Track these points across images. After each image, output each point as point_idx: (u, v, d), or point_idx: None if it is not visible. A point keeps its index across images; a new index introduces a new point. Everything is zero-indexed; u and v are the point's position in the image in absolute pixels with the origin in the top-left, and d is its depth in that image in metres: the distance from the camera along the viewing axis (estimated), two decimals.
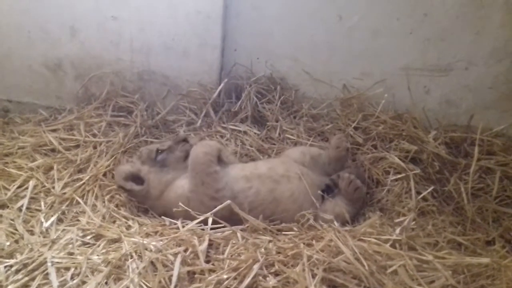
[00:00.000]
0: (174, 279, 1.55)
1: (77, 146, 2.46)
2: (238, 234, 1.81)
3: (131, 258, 1.68)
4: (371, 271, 1.53)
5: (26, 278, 1.62)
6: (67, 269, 1.65)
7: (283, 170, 2.11)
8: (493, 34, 2.67)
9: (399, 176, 2.31)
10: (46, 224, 1.92)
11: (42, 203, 2.05)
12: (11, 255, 1.72)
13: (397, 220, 1.94)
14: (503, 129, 2.78)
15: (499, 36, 2.67)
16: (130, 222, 1.97)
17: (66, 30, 2.67)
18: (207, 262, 1.68)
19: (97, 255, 1.72)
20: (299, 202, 2.03)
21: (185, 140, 2.21)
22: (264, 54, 2.84)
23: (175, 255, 1.65)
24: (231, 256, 1.69)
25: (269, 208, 2.02)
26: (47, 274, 1.63)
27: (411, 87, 2.82)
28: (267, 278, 1.59)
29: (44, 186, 2.16)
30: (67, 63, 2.75)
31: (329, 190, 2.20)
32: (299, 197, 2.04)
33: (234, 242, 1.76)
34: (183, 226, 1.85)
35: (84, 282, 1.60)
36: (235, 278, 1.57)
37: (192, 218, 1.87)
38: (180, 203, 1.86)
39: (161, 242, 1.74)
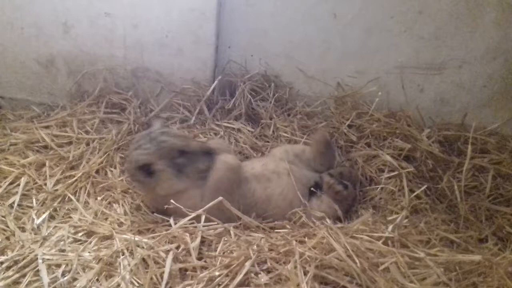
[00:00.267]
0: (165, 276, 1.54)
1: (70, 143, 2.44)
2: (231, 231, 1.80)
3: (122, 255, 1.67)
4: (363, 268, 1.53)
5: (17, 275, 1.60)
6: (58, 266, 1.64)
7: (274, 166, 2.11)
8: (487, 32, 2.68)
9: (392, 174, 2.31)
10: (37, 221, 1.91)
11: (34, 200, 2.04)
12: (1, 252, 1.71)
13: (389, 218, 1.93)
14: (496, 128, 2.80)
15: (494, 34, 2.68)
16: (122, 219, 1.96)
17: (59, 27, 2.65)
18: (199, 259, 1.67)
19: (89, 252, 1.71)
20: (289, 199, 2.03)
21: (211, 152, 2.01)
22: (258, 52, 2.83)
23: (167, 252, 1.64)
24: (223, 253, 1.68)
25: (262, 207, 2.02)
26: (37, 271, 1.62)
27: (405, 86, 2.83)
28: (259, 275, 1.58)
29: (36, 183, 2.14)
30: (60, 60, 2.74)
31: (318, 187, 2.18)
32: (288, 193, 2.03)
33: (226, 239, 1.75)
34: (175, 223, 1.84)
35: (75, 279, 1.59)
36: (227, 275, 1.56)
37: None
38: (172, 200, 1.84)
39: (153, 239, 1.73)
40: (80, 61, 2.74)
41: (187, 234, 1.74)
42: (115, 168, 2.34)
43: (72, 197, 2.07)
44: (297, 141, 2.58)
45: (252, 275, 1.58)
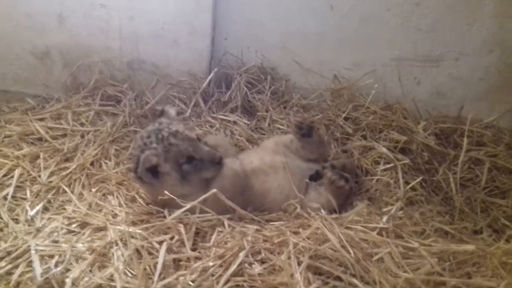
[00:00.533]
0: (159, 266, 1.54)
1: (65, 135, 2.43)
2: (225, 223, 1.79)
3: (116, 246, 1.66)
4: (357, 258, 1.52)
5: (10, 266, 1.59)
6: (51, 257, 1.63)
7: (270, 160, 2.10)
8: (484, 25, 2.67)
9: (388, 166, 2.31)
10: (31, 213, 1.90)
11: (28, 192, 2.03)
12: None
13: (384, 209, 1.93)
14: (493, 121, 2.80)
15: (491, 26, 2.67)
16: (116, 211, 1.95)
17: (54, 18, 2.64)
18: (194, 250, 1.66)
19: (82, 243, 1.70)
20: (286, 192, 2.02)
21: (219, 162, 1.94)
22: (255, 43, 2.82)
23: (161, 242, 1.64)
24: (218, 244, 1.68)
25: (259, 201, 2.01)
26: (30, 261, 1.61)
27: (402, 78, 2.82)
28: (253, 266, 1.58)
29: (30, 175, 2.13)
30: (55, 51, 2.72)
31: (317, 177, 2.17)
32: (285, 186, 2.02)
33: (220, 230, 1.75)
34: (170, 214, 1.83)
35: (68, 270, 1.58)
36: (220, 266, 1.56)
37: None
38: (166, 192, 1.82)
39: (147, 230, 1.73)
40: (75, 53, 2.72)
41: (181, 225, 1.73)
42: (110, 160, 2.32)
43: (67, 189, 2.06)
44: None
45: (246, 265, 1.57)
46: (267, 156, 2.14)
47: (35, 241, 1.69)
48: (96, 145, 2.36)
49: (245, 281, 1.52)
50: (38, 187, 2.05)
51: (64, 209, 1.96)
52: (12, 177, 2.08)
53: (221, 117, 2.69)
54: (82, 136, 2.43)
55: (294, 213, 1.93)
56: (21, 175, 2.11)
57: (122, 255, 1.62)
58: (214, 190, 1.76)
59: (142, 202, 2.07)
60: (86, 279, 1.53)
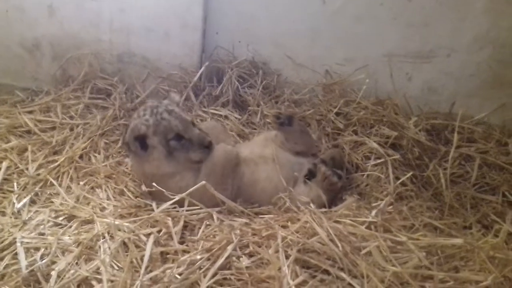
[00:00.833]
0: (145, 259, 1.53)
1: (54, 128, 2.42)
2: (214, 216, 1.78)
3: (103, 239, 1.65)
4: (345, 252, 1.52)
5: None
6: (37, 249, 1.62)
7: (260, 151, 2.11)
8: (476, 21, 2.67)
9: (378, 161, 2.31)
10: (18, 205, 1.88)
11: (15, 184, 2.01)
12: None
13: (374, 204, 1.92)
14: (484, 117, 2.80)
15: (482, 22, 2.67)
16: (104, 204, 1.93)
17: (44, 9, 2.61)
18: (181, 243, 1.66)
19: (69, 236, 1.69)
20: (274, 182, 2.02)
21: (208, 146, 1.96)
22: (246, 38, 2.81)
23: (148, 235, 1.63)
24: (206, 237, 1.67)
25: (249, 192, 2.01)
26: (16, 254, 1.60)
27: (394, 74, 2.82)
28: (241, 259, 1.57)
29: (18, 168, 2.11)
30: (45, 44, 2.70)
31: (311, 176, 2.16)
32: (274, 177, 2.02)
33: (209, 223, 1.74)
34: (158, 207, 1.82)
35: (53, 262, 1.57)
36: (208, 259, 1.55)
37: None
38: (154, 183, 1.81)
39: (135, 223, 1.71)
40: (65, 45, 2.69)
41: (169, 218, 1.72)
42: (99, 153, 2.31)
43: (54, 182, 2.04)
44: None
45: (234, 258, 1.57)
46: (257, 148, 2.16)
47: (21, 234, 1.67)
48: (85, 138, 2.35)
49: (232, 274, 1.52)
50: (25, 180, 2.03)
51: (52, 202, 1.94)
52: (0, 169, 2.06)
53: (212, 111, 2.68)
54: (71, 129, 2.42)
55: (284, 207, 1.93)
56: (8, 167, 2.09)
57: (109, 247, 1.60)
58: (203, 182, 1.76)
59: (130, 196, 2.05)
60: (72, 271, 1.52)
